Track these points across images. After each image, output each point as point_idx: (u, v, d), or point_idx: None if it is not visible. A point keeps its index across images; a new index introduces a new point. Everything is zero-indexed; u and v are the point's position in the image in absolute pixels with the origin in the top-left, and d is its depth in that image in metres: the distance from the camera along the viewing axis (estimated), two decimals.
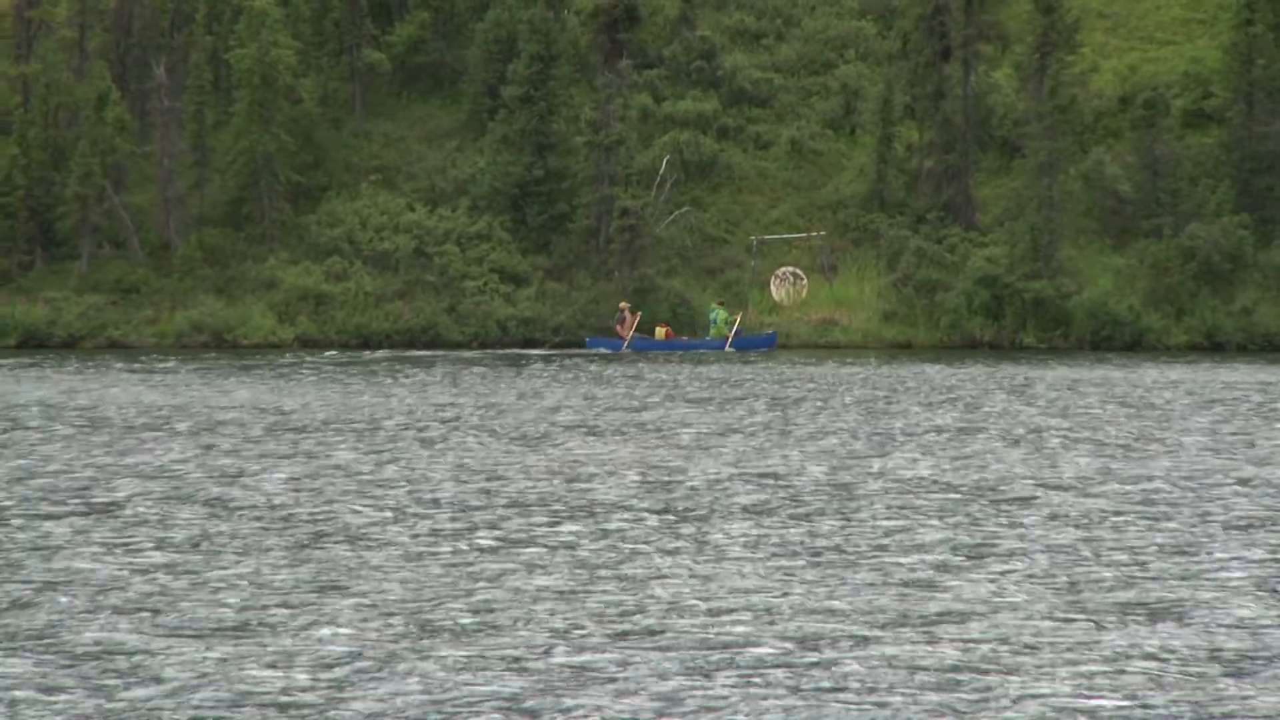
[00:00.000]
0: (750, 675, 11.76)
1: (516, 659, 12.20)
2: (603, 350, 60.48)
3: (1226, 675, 11.88)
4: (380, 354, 58.93)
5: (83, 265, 65.74)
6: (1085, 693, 11.33)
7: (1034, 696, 11.25)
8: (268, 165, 66.64)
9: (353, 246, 66.20)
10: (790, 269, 65.37)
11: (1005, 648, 12.56)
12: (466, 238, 66.48)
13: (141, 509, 19.73)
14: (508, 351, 60.09)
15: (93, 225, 65.85)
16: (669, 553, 16.66)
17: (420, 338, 63.76)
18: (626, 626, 13.25)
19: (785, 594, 14.50)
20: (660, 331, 62.04)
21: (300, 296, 64.41)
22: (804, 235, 67.21)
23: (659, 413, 33.11)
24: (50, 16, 72.62)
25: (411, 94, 74.00)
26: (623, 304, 62.43)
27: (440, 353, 59.64)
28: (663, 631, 13.05)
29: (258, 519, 18.98)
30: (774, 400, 36.37)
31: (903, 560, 16.17)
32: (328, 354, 58.59)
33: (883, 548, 16.94)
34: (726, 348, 60.35)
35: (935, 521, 18.67)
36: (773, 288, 64.79)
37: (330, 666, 12.04)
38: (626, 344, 60.86)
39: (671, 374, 46.68)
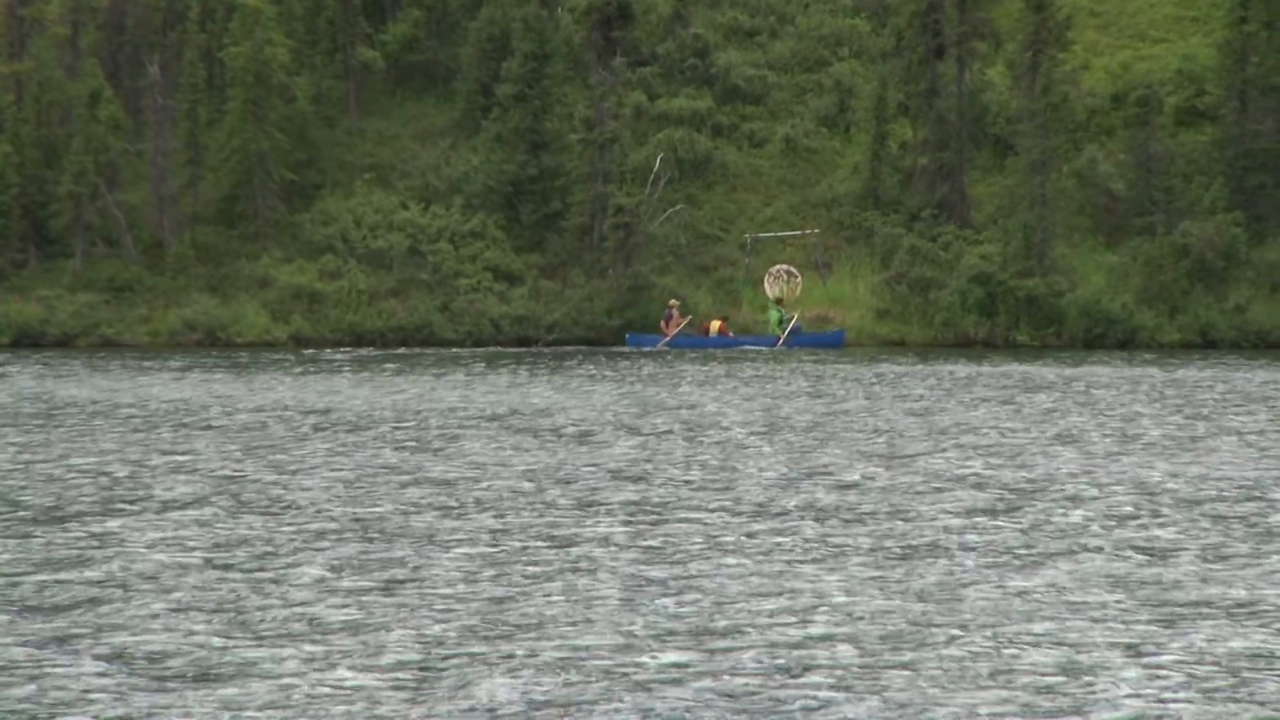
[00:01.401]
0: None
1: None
2: (645, 348, 60.18)
3: None
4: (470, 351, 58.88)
5: (76, 263, 65.67)
6: None
7: None
8: (261, 163, 66.61)
9: (346, 245, 66.18)
10: (784, 267, 65.33)
11: None
12: (460, 236, 66.46)
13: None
14: (548, 350, 59.53)
15: (86, 223, 65.73)
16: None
17: (414, 336, 63.77)
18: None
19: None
20: (715, 325, 61.93)
21: (294, 295, 64.36)
22: (798, 233, 67.25)
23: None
24: (43, 14, 72.55)
25: (405, 92, 74.00)
26: (672, 301, 62.47)
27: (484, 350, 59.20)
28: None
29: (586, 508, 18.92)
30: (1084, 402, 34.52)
31: None
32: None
33: None
34: (778, 346, 60.40)
35: None
36: (767, 285, 64.79)
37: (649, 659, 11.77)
38: (663, 341, 60.82)
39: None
